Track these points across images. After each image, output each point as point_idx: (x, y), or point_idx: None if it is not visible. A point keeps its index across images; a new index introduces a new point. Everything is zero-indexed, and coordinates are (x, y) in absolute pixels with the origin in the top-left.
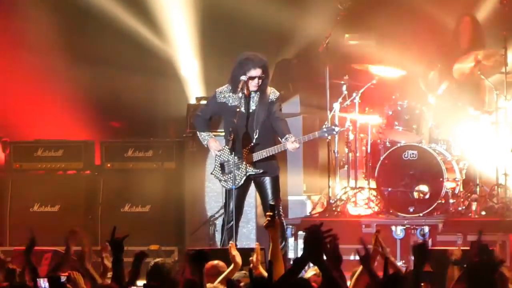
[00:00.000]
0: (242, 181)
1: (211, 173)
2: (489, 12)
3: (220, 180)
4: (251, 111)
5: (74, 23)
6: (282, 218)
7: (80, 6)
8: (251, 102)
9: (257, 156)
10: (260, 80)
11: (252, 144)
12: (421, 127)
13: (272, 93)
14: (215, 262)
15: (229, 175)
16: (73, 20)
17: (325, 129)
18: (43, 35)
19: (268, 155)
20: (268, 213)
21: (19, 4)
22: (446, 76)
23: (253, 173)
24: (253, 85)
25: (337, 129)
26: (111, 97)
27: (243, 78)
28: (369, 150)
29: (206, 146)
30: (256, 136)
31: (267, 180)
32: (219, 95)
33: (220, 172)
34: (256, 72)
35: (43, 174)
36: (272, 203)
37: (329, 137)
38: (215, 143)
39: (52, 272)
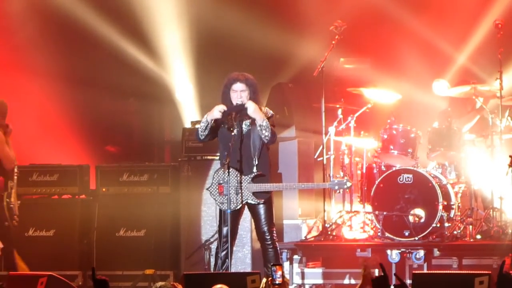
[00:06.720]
0: (239, 207)
1: (207, 189)
2: (483, 36)
3: (215, 199)
4: (244, 133)
5: (71, 48)
6: (276, 243)
7: (76, 32)
8: (243, 125)
9: (259, 187)
10: (243, 94)
11: (254, 173)
12: (416, 151)
13: (265, 112)
14: (219, 286)
15: (226, 197)
16: (69, 45)
17: (336, 182)
18: (39, 60)
19: (272, 190)
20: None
21: (18, 28)
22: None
23: (254, 202)
24: (234, 97)
25: (349, 184)
26: (106, 122)
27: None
28: (364, 174)
29: (209, 121)
30: (256, 163)
31: (261, 206)
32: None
33: (217, 191)
34: (237, 86)
35: (38, 199)
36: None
37: (340, 191)
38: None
39: None
